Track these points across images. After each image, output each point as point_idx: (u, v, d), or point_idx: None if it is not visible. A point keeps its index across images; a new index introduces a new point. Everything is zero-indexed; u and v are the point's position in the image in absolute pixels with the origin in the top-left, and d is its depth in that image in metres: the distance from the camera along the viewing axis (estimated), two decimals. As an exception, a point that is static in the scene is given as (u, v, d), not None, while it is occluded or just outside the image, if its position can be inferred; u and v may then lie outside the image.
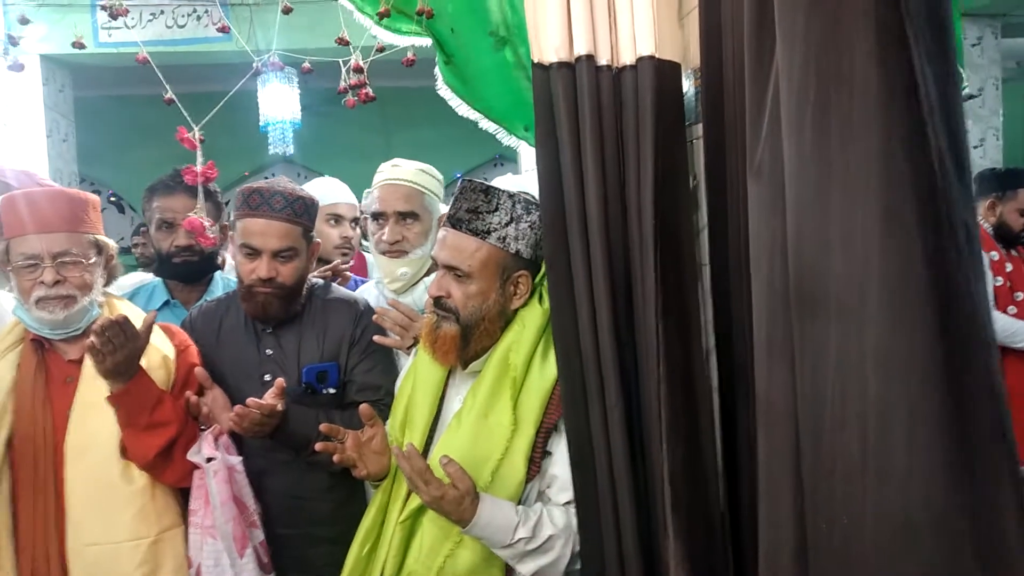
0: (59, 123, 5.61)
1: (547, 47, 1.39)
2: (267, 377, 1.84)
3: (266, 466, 1.82)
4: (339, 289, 2.05)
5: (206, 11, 5.18)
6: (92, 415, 1.63)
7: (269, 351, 1.88)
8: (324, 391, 1.87)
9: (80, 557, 1.59)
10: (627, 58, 1.40)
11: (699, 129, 1.47)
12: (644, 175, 1.38)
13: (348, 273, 2.41)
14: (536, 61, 1.40)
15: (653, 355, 1.39)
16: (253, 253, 1.83)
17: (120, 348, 1.55)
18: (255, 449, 1.81)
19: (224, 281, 2.21)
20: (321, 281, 2.04)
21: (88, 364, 1.64)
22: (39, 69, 5.38)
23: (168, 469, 1.65)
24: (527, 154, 5.66)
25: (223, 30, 3.67)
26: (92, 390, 1.63)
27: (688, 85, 1.48)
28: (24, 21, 3.67)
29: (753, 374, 1.13)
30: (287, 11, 2.46)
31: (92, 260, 1.67)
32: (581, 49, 1.39)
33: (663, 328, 1.37)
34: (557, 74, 1.39)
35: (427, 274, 2.09)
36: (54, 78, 5.53)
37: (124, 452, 1.63)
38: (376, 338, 1.90)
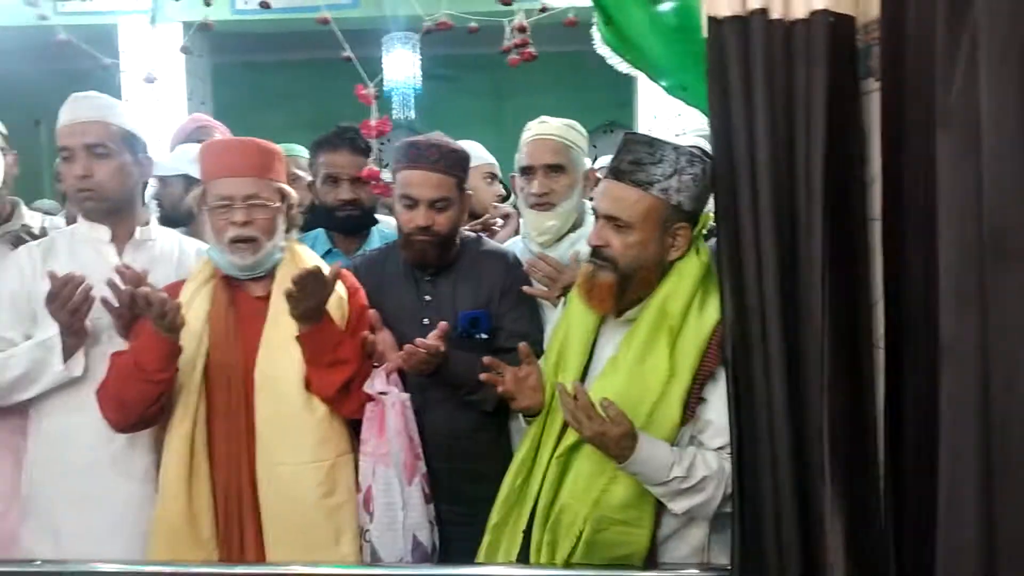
0: (197, 87, 5.95)
1: (721, 1, 1.42)
2: (425, 321, 1.96)
3: (423, 403, 1.94)
4: (490, 242, 2.16)
5: (336, -23, 5.36)
6: (278, 349, 1.79)
7: (427, 297, 2.00)
8: (477, 336, 1.98)
9: (269, 474, 1.76)
10: (800, 11, 1.42)
11: (868, 84, 1.48)
12: (814, 129, 1.40)
13: (496, 228, 2.51)
14: (710, 15, 1.43)
15: (817, 307, 1.41)
16: (412, 203, 1.94)
17: (313, 295, 1.71)
18: (413, 387, 1.93)
19: (380, 233, 2.35)
20: (473, 234, 2.14)
21: (274, 303, 1.81)
22: (182, 36, 5.70)
23: (346, 402, 1.80)
24: (643, 119, 5.65)
25: None
26: (278, 326, 1.80)
27: (859, 39, 1.48)
28: None
29: (934, 323, 1.15)
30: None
31: (277, 205, 1.82)
32: (755, 2, 1.41)
33: (829, 281, 1.40)
34: (730, 28, 1.42)
35: (571, 230, 2.16)
36: (195, 44, 5.84)
37: (308, 385, 1.79)
38: (526, 288, 1.99)
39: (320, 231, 2.34)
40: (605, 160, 3.06)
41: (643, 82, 5.88)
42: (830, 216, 1.41)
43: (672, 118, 5.43)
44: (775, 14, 1.42)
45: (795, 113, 1.43)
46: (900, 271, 1.32)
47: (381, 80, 5.53)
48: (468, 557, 1.84)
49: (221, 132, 2.86)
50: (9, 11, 5.36)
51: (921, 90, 1.24)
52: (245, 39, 5.84)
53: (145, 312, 1.67)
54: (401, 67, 5.45)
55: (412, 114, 5.64)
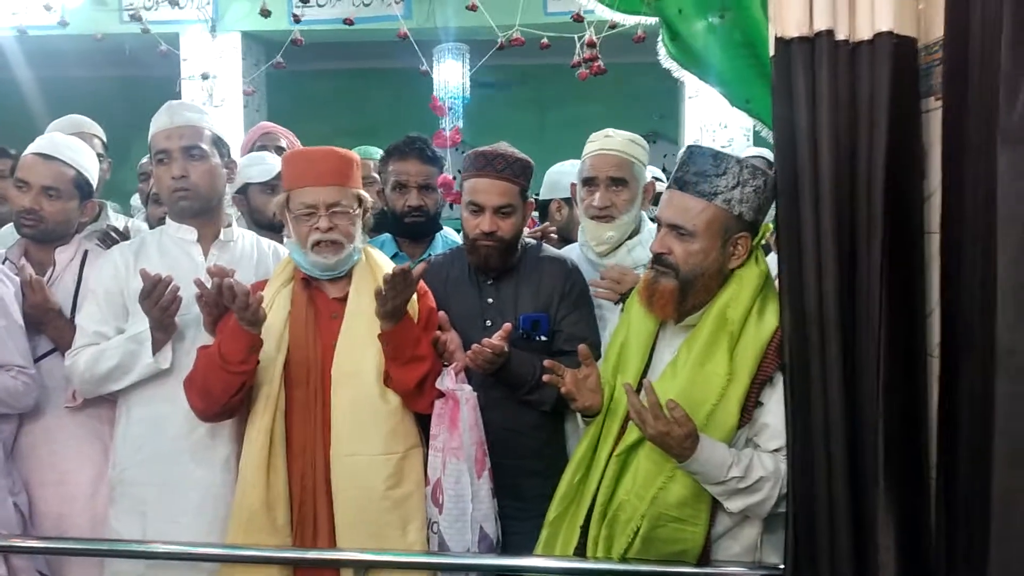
0: (253, 95, 6.15)
1: (789, 22, 1.49)
2: (488, 323, 2.05)
3: (485, 401, 2.01)
4: (550, 248, 2.25)
5: (389, -10, 5.53)
6: (355, 347, 1.89)
7: (490, 300, 2.09)
8: (537, 338, 2.06)
9: (341, 464, 1.86)
10: (864, 33, 1.48)
11: (928, 102, 1.54)
12: (876, 145, 1.47)
13: (554, 235, 2.60)
14: (778, 36, 1.51)
15: (875, 315, 1.48)
16: (478, 210, 2.04)
17: (400, 294, 1.81)
18: (475, 386, 2.02)
19: (444, 239, 2.46)
20: (534, 241, 2.23)
21: (351, 303, 1.92)
22: (239, 45, 5.91)
23: (420, 398, 1.90)
24: (690, 131, 5.72)
25: None
26: (354, 326, 1.91)
27: (921, 59, 1.54)
28: None
29: (990, 333, 1.21)
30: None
31: (356, 211, 1.93)
32: (821, 24, 1.48)
33: (887, 291, 1.47)
34: (798, 48, 1.49)
35: (629, 237, 2.24)
36: (251, 53, 6.05)
37: (387, 380, 1.89)
38: (593, 291, 2.08)
39: (387, 235, 2.45)
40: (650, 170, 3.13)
41: (688, 94, 5.93)
42: (889, 228, 1.48)
43: (717, 129, 5.50)
44: (841, 35, 1.50)
45: (858, 129, 1.50)
46: (958, 282, 1.38)
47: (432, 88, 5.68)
48: (521, 551, 1.92)
49: (287, 139, 2.98)
50: (78, 21, 5.59)
51: (983, 108, 1.30)
52: (298, 48, 6.03)
53: (230, 304, 1.78)
54: (451, 78, 5.58)
55: (460, 123, 5.76)
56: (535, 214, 2.88)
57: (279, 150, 2.77)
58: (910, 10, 1.50)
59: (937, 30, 1.50)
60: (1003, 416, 1.14)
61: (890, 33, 1.47)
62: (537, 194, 2.95)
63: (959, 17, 1.36)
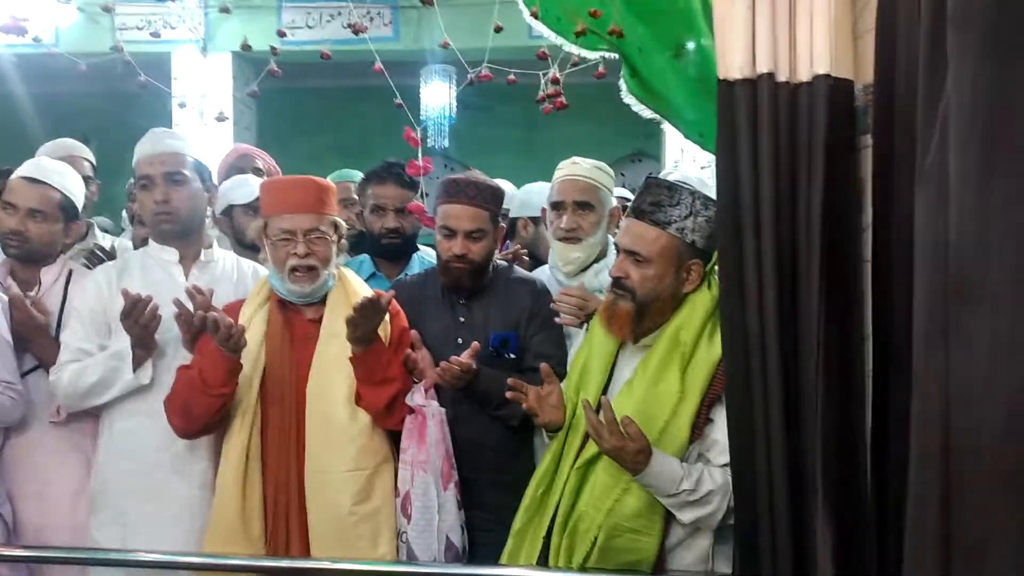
0: (244, 113, 6.25)
1: (732, 65, 1.59)
2: (459, 340, 2.14)
3: (455, 416, 2.11)
4: (520, 270, 2.35)
5: (378, 12, 5.65)
6: (328, 368, 1.98)
7: (462, 319, 2.19)
8: (506, 356, 2.15)
9: (314, 480, 1.94)
10: (804, 75, 1.58)
11: (866, 139, 1.64)
12: (814, 183, 1.56)
13: (525, 258, 2.70)
14: (722, 77, 1.61)
15: (813, 340, 1.57)
16: (450, 234, 2.13)
17: (370, 320, 1.91)
18: (446, 402, 2.10)
19: (420, 260, 2.55)
20: (505, 263, 2.33)
21: (326, 325, 2.01)
22: (231, 65, 6.02)
23: (390, 417, 1.99)
24: (671, 151, 5.84)
25: (358, 31, 3.99)
26: (328, 347, 2.00)
27: (858, 99, 1.64)
28: (225, 10, 4.17)
29: (911, 358, 1.31)
30: (499, 29, 2.80)
31: (332, 238, 2.02)
32: (763, 67, 1.58)
33: (824, 317, 1.56)
34: (741, 90, 1.59)
35: (595, 261, 2.34)
36: (242, 72, 6.15)
37: (358, 400, 1.98)
38: (558, 319, 2.17)
39: (365, 256, 2.55)
40: (623, 192, 3.25)
41: (669, 117, 5.96)
42: (827, 258, 1.57)
43: (698, 149, 5.62)
44: (781, 77, 1.60)
45: (797, 165, 1.60)
46: (887, 310, 1.48)
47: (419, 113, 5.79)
48: (492, 560, 2.00)
49: (263, 160, 3.05)
50: (71, 39, 5.67)
51: (906, 150, 1.41)
52: (288, 67, 6.13)
53: (212, 334, 1.87)
54: (437, 98, 5.70)
55: (446, 142, 5.87)
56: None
57: (256, 171, 2.86)
58: (847, 53, 1.61)
59: (872, 73, 1.60)
60: (916, 432, 1.23)
61: (827, 76, 1.57)
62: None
63: (887, 61, 1.46)
